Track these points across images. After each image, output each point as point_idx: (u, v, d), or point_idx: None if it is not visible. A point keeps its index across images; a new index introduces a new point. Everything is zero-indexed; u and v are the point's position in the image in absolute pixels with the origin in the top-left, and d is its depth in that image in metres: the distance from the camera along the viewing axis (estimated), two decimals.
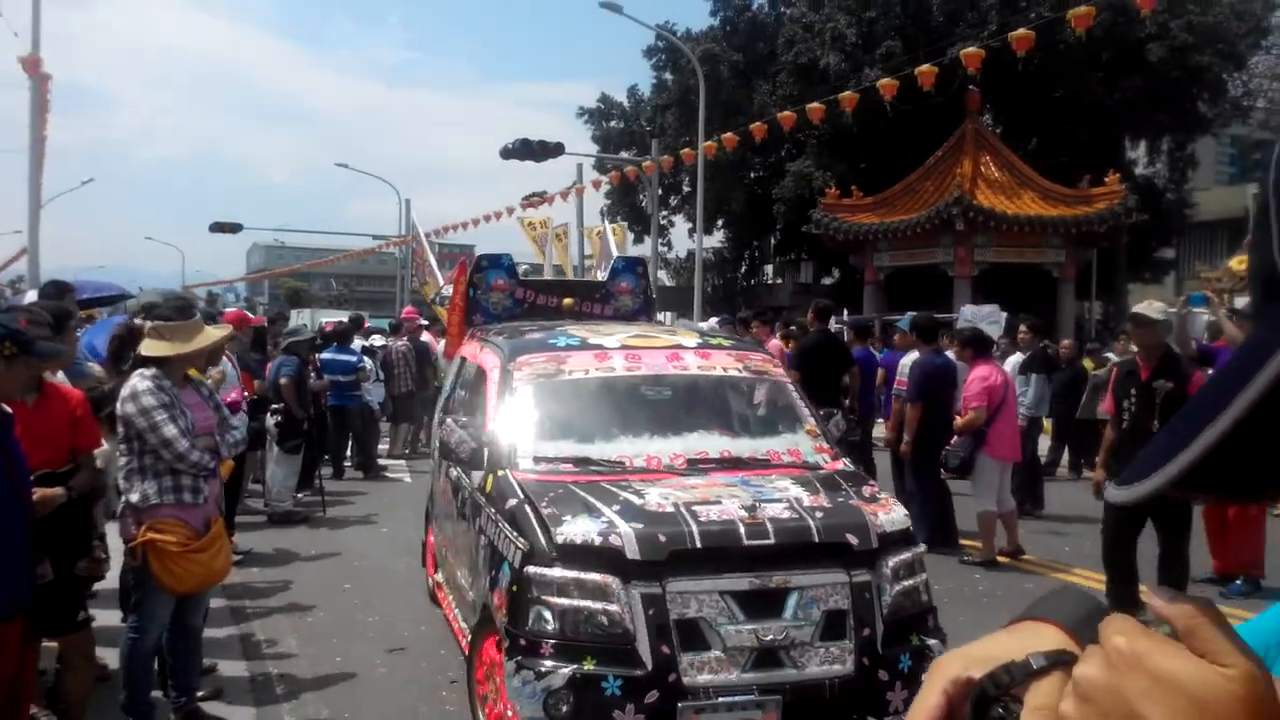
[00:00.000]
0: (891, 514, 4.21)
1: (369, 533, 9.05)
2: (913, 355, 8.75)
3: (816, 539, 3.92)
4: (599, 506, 3.93)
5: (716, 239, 35.15)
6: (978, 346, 8.21)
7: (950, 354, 8.69)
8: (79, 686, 4.19)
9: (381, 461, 12.70)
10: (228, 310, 11.16)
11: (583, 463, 4.43)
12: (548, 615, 3.74)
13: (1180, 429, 0.50)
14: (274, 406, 9.15)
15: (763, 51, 30.15)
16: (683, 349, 5.17)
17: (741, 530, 3.84)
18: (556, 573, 3.75)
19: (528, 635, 3.74)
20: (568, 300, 7.07)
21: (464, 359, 6.18)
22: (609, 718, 3.60)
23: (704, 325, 17.72)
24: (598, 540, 3.77)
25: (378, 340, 15.12)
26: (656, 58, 32.75)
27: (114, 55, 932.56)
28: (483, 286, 6.90)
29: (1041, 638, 0.55)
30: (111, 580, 4.66)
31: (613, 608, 3.68)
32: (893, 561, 4.04)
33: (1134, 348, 6.96)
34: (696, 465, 4.48)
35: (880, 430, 10.30)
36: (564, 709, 3.60)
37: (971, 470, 7.84)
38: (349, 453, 12.48)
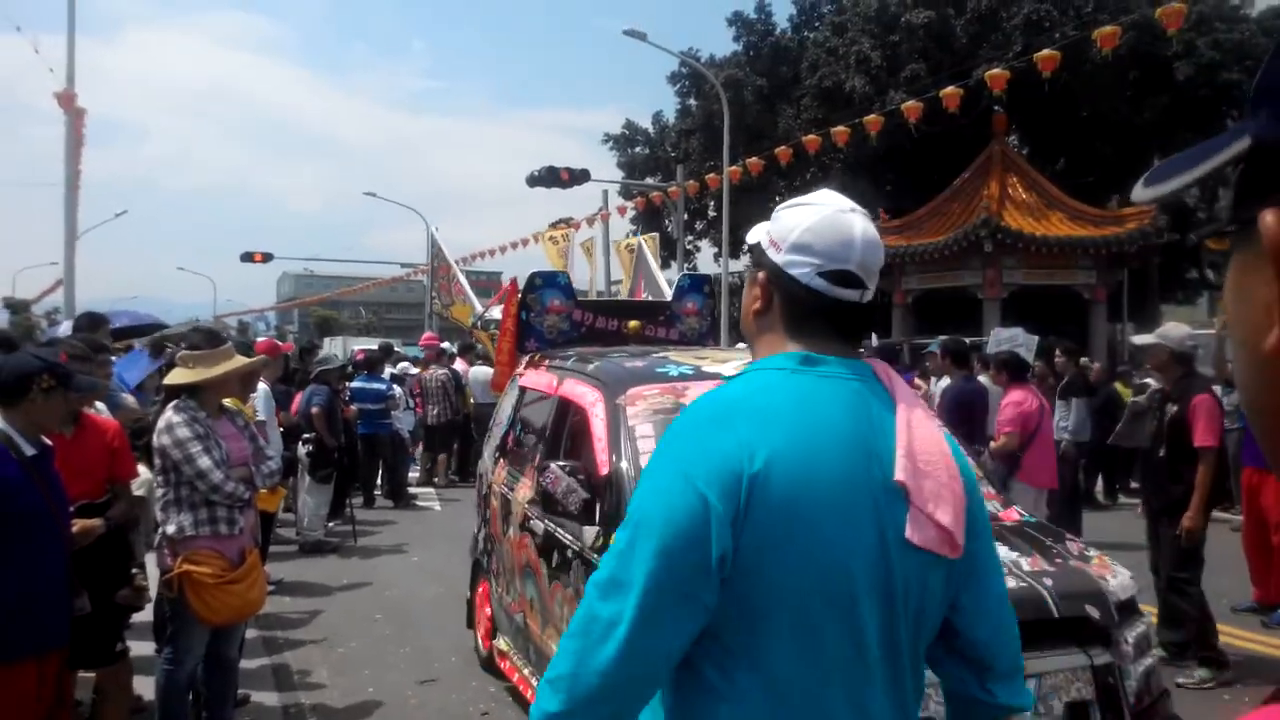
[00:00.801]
0: (1119, 577, 3.65)
1: (400, 562, 9.05)
2: (945, 381, 8.65)
3: (1056, 613, 3.32)
4: None
5: (742, 263, 35.16)
6: (1013, 370, 8.11)
7: (984, 379, 8.57)
8: (115, 718, 4.20)
9: (411, 490, 12.73)
10: (259, 340, 11.24)
11: None
12: None
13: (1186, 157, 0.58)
14: (305, 436, 9.20)
15: (786, 76, 30.24)
16: None
17: None
18: None
19: None
20: (633, 323, 6.36)
21: (524, 390, 5.62)
22: None
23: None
24: None
25: (411, 370, 15.09)
26: (680, 84, 32.94)
27: (145, 88, 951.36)
28: (537, 308, 6.20)
29: None
30: (147, 612, 4.68)
31: None
32: (1132, 636, 3.48)
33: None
34: None
35: None
36: None
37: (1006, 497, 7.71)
38: (379, 480, 12.52)
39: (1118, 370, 14.93)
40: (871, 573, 1.47)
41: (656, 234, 18.43)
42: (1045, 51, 14.76)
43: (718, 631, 1.46)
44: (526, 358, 5.92)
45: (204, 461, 4.10)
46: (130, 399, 5.71)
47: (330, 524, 9.76)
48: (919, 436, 1.56)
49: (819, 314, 1.61)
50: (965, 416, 8.16)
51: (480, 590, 5.85)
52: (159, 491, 4.25)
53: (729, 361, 4.46)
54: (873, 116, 17.61)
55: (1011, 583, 3.14)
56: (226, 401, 4.55)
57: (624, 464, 3.86)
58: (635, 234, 27.55)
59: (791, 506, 1.43)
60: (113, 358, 5.79)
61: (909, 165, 25.72)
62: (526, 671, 4.77)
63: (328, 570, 8.58)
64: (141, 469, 4.65)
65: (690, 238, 32.20)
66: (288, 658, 6.21)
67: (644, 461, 3.31)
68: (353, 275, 63.20)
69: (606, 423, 4.11)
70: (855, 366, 1.61)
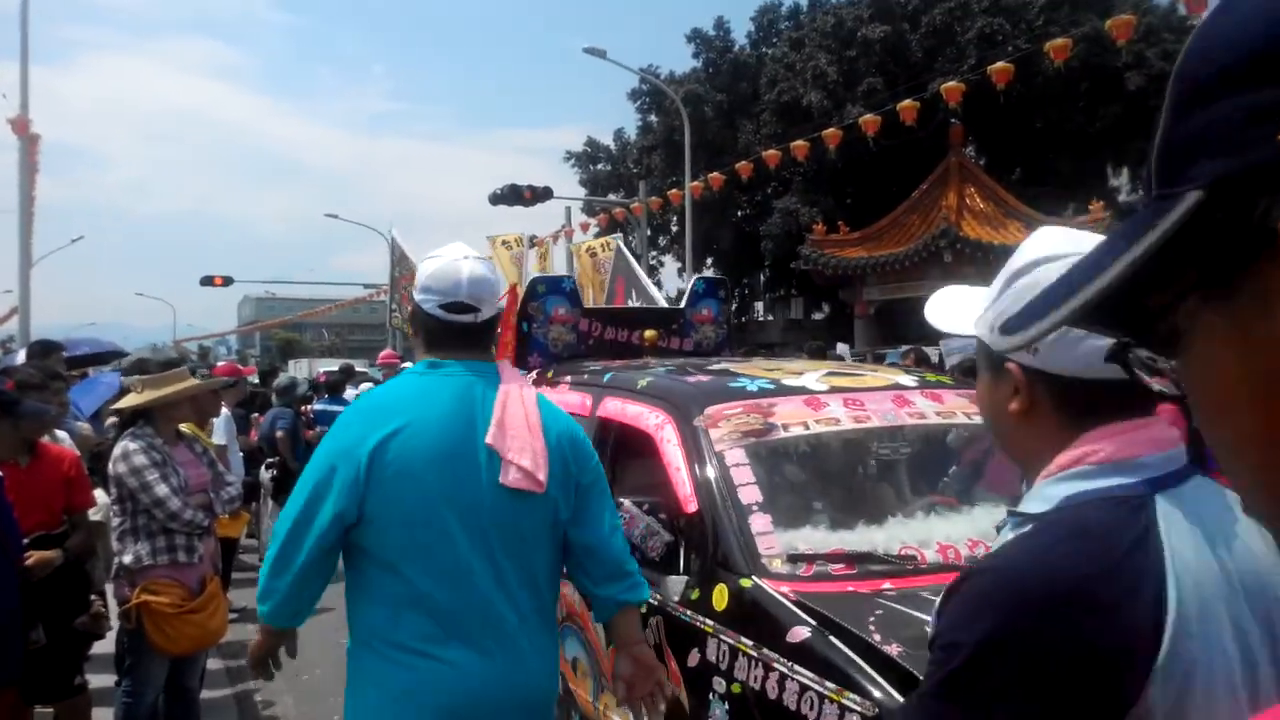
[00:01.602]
0: None
1: None
2: None
3: None
4: None
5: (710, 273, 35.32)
6: (976, 378, 8.19)
7: None
8: None
9: None
10: (219, 364, 11.09)
11: (860, 560, 2.90)
12: None
13: (1063, 283, 0.52)
14: (269, 460, 9.08)
15: (746, 91, 30.52)
16: (905, 389, 3.80)
17: None
18: None
19: None
20: (650, 333, 5.69)
21: None
22: None
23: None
24: None
25: (369, 388, 14.96)
26: (641, 101, 33.15)
27: (104, 115, 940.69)
28: (539, 318, 5.48)
29: None
30: (107, 644, 4.58)
31: None
32: None
33: None
34: None
35: None
36: None
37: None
38: None
39: None
40: (468, 507, 2.24)
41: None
42: (999, 64, 14.98)
43: (372, 551, 2.27)
44: (532, 375, 5.01)
45: (161, 489, 4.03)
46: (85, 426, 5.61)
47: None
48: (509, 410, 2.32)
49: (444, 332, 2.37)
50: None
51: None
52: (115, 521, 4.17)
53: (805, 373, 3.88)
54: (831, 130, 17.79)
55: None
56: (183, 427, 4.48)
57: (717, 497, 3.06)
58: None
59: (404, 467, 2.21)
60: (67, 385, 5.68)
61: (868, 178, 26.02)
62: None
63: None
64: (99, 494, 4.56)
65: (654, 253, 32.31)
66: (251, 687, 6.10)
67: (741, 496, 3.02)
68: (315, 298, 62.69)
69: (684, 449, 3.35)
70: (475, 367, 2.37)
